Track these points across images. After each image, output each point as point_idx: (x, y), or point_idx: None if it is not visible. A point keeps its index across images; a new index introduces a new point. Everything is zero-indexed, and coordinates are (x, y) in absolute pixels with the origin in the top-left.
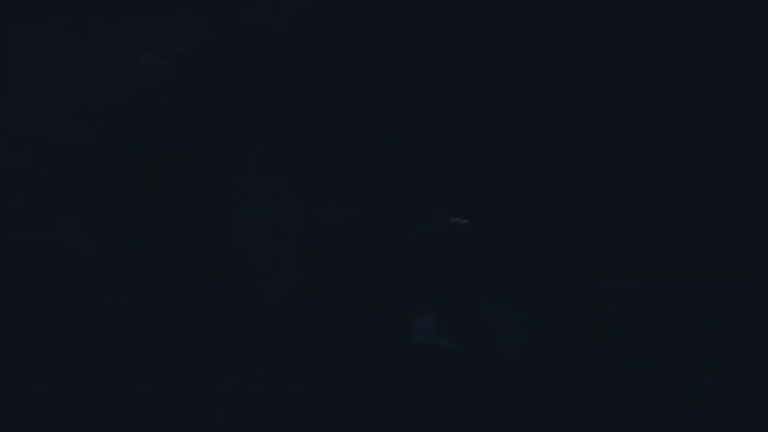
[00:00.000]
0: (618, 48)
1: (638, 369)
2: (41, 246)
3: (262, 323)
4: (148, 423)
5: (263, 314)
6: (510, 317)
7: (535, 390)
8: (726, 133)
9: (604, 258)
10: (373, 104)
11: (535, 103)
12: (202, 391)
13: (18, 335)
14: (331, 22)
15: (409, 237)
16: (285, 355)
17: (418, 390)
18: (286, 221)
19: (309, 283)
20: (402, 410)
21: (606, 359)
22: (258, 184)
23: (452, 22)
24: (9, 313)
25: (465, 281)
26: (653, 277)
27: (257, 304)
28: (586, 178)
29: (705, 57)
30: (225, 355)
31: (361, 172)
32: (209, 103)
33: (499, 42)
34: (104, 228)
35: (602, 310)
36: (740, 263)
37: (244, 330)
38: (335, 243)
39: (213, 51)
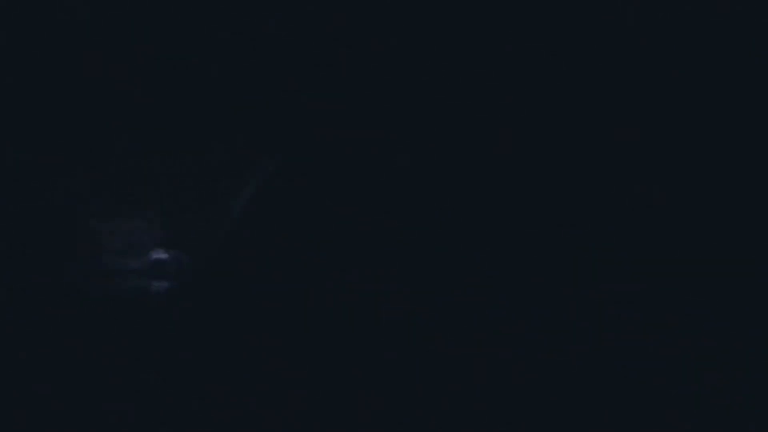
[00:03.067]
0: (618, 48)
1: (638, 369)
2: (41, 246)
3: (262, 323)
4: (148, 423)
5: (263, 314)
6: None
7: (535, 390)
8: (726, 133)
9: (604, 258)
10: (373, 104)
11: (535, 103)
12: (202, 391)
13: (18, 335)
14: (331, 22)
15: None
16: (285, 355)
17: (418, 390)
18: (285, 221)
19: (309, 282)
20: (402, 410)
21: (606, 359)
22: (256, 184)
23: (452, 22)
24: (9, 313)
25: (465, 281)
26: (653, 277)
27: (257, 304)
28: (586, 178)
29: (705, 57)
30: (225, 355)
31: (361, 172)
32: (209, 103)
33: (499, 42)
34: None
35: (602, 310)
36: (740, 263)
37: (244, 330)
38: (335, 243)
39: (212, 51)
